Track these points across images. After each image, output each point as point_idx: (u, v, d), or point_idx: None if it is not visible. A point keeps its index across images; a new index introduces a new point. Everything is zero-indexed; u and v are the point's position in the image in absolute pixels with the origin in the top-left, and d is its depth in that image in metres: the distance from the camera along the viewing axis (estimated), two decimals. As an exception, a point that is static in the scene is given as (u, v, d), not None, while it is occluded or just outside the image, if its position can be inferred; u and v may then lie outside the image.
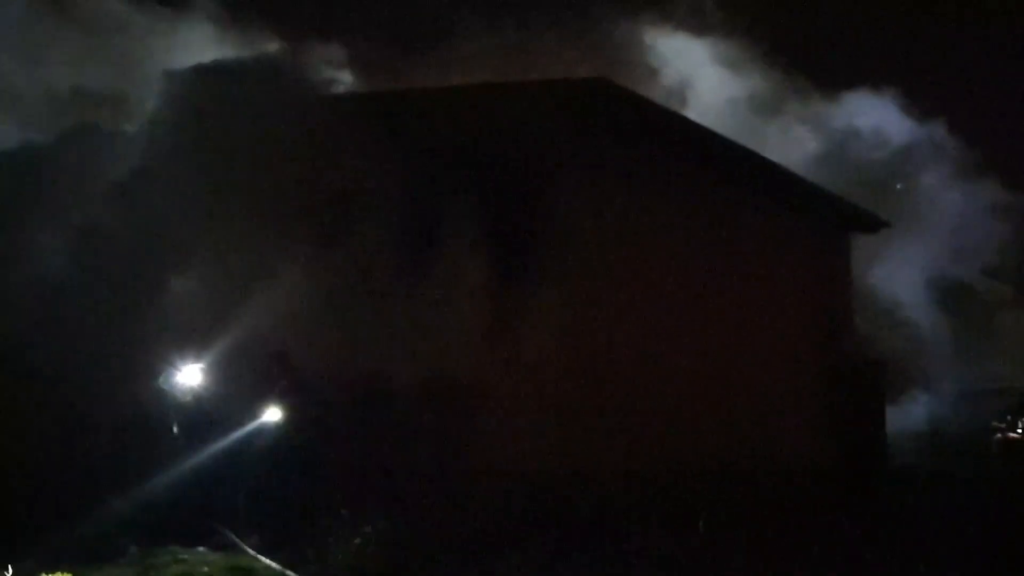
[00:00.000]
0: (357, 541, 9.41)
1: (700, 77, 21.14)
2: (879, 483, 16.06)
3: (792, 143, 20.22)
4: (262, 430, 10.86)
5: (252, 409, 10.96)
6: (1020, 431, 19.31)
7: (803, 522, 11.64)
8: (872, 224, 18.35)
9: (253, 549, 9.57)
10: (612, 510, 11.23)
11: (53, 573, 8.13)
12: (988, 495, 14.87)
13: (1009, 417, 19.76)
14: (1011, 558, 9.28)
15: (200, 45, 14.93)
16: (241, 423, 10.85)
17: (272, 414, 10.92)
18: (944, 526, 11.60)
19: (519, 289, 12.27)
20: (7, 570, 8.29)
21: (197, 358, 11.22)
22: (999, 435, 19.97)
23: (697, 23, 21.30)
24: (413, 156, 12.13)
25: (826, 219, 17.51)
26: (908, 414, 20.82)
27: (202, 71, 12.48)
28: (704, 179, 14.64)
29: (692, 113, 17.37)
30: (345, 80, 13.95)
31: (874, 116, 23.36)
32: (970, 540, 10.44)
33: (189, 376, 10.95)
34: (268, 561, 9.21)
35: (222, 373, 11.16)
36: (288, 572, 8.94)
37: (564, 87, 12.54)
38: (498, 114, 12.51)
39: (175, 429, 10.62)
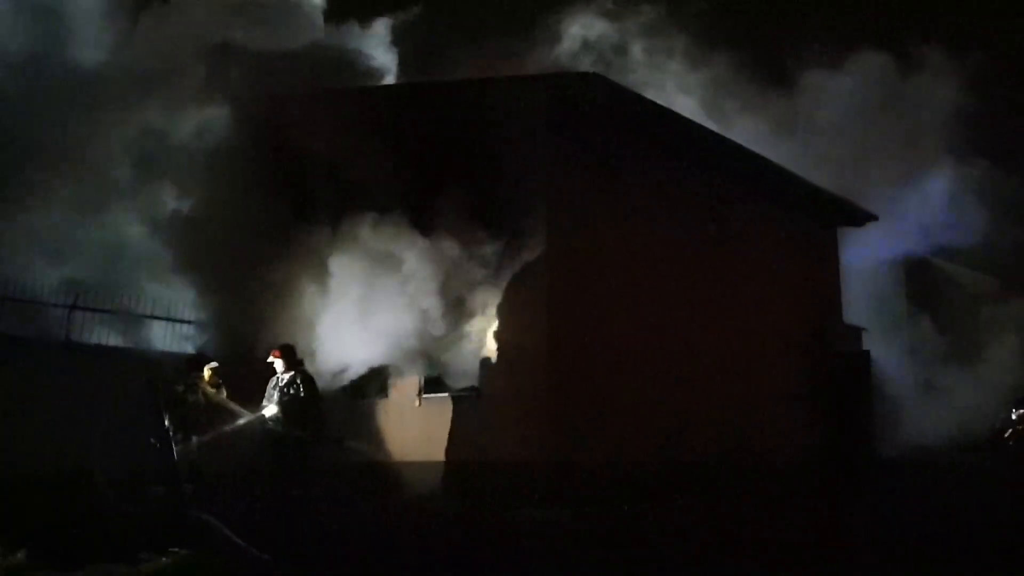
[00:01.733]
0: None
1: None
2: (867, 471, 16.20)
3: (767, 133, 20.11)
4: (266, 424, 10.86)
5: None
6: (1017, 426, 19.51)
7: (791, 510, 11.74)
8: (859, 218, 18.44)
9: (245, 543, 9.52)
10: (606, 500, 11.28)
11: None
12: (974, 484, 15.06)
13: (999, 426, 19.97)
14: (993, 545, 9.37)
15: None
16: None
17: (269, 409, 10.89)
18: (929, 514, 11.73)
19: (512, 281, 12.31)
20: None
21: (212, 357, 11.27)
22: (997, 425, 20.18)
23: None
24: (408, 147, 12.14)
25: (814, 213, 17.61)
26: (894, 405, 20.95)
27: None
28: (695, 173, 14.69)
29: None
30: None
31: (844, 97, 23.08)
32: (954, 527, 10.55)
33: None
34: (254, 551, 9.15)
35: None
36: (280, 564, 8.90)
37: (557, 81, 12.56)
38: (493, 108, 12.53)
39: (167, 422, 10.53)
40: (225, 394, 11.01)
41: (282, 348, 11.08)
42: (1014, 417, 19.63)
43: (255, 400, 11.00)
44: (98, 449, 10.60)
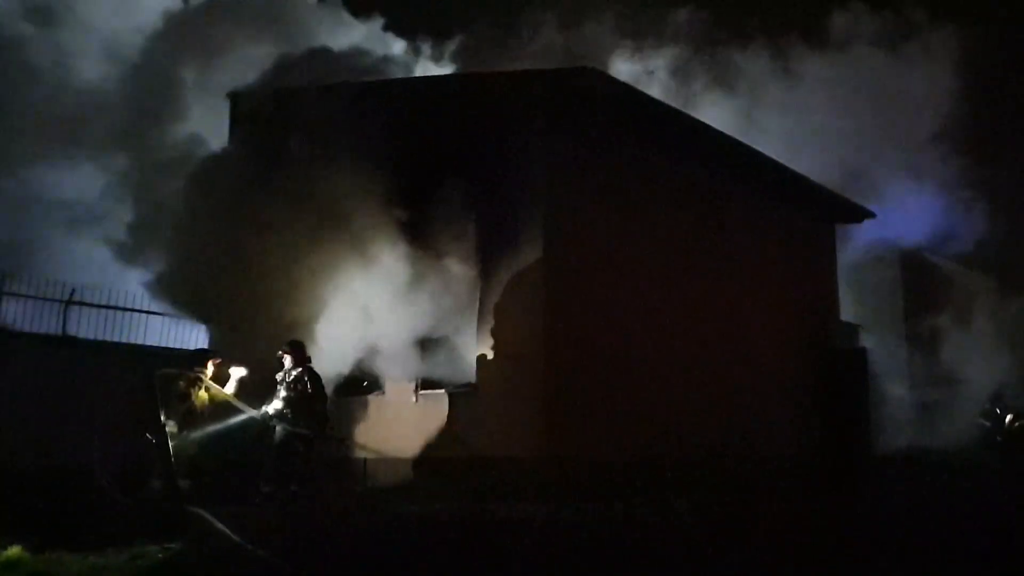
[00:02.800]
0: None
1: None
2: (863, 468, 16.22)
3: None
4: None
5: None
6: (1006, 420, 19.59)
7: (788, 506, 11.76)
8: (857, 214, 18.46)
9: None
10: (603, 496, 11.28)
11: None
12: (966, 480, 15.11)
13: (988, 406, 20.04)
14: (983, 539, 9.40)
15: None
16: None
17: (273, 404, 10.87)
18: (922, 509, 11.77)
19: (509, 276, 12.32)
20: None
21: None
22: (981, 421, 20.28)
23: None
24: (403, 142, 12.13)
25: (812, 210, 17.61)
26: (890, 401, 20.99)
27: None
28: (693, 168, 14.69)
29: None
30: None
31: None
32: (947, 522, 10.59)
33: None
34: (250, 546, 9.14)
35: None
36: (275, 559, 8.90)
37: (553, 76, 12.54)
38: (489, 102, 12.53)
39: (163, 417, 10.53)
40: (232, 389, 11.01)
41: (292, 344, 11.11)
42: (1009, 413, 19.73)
43: (259, 396, 10.99)
44: (96, 444, 10.60)
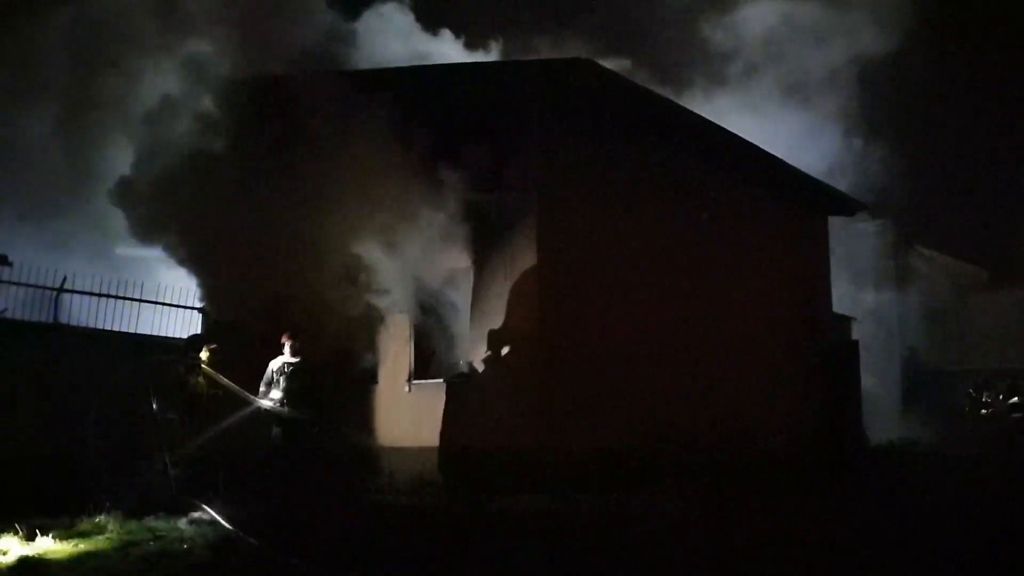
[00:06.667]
0: None
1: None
2: (855, 457, 16.31)
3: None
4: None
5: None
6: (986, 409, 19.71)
7: (780, 497, 11.80)
8: (850, 207, 18.50)
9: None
10: (597, 486, 11.30)
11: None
12: (956, 471, 15.19)
13: (974, 392, 20.16)
14: (975, 530, 9.44)
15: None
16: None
17: (272, 395, 10.82)
18: (914, 500, 11.83)
19: (503, 266, 12.30)
20: None
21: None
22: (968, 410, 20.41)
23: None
24: (397, 131, 12.08)
25: (805, 202, 17.64)
26: (882, 394, 21.07)
27: None
28: (686, 160, 14.69)
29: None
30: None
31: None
32: (938, 513, 10.63)
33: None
34: (243, 535, 9.14)
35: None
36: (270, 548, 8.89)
37: (546, 67, 12.51)
38: (483, 94, 12.49)
39: (155, 406, 10.49)
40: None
41: (293, 332, 11.04)
42: (986, 399, 19.83)
43: (252, 382, 10.94)
44: (88, 432, 10.57)
